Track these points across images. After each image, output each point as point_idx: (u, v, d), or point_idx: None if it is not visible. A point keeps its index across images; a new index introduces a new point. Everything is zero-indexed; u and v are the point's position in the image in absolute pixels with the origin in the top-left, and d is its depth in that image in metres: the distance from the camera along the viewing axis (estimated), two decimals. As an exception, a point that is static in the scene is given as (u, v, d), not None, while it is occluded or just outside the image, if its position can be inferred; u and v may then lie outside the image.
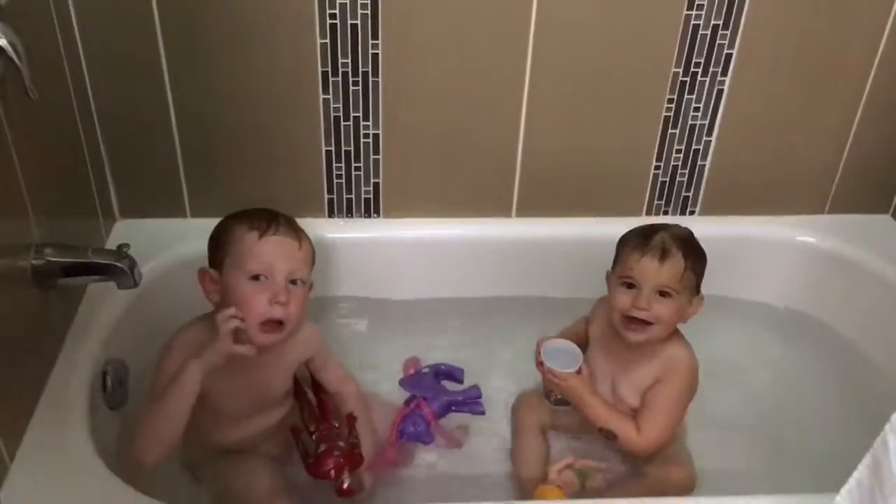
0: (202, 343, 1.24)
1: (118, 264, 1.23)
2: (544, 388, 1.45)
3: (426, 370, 1.51)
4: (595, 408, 1.36)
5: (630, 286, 1.34)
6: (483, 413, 1.44)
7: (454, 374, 1.50)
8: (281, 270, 1.24)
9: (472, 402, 1.44)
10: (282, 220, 1.28)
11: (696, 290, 1.36)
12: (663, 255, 1.31)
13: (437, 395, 1.44)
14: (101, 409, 1.32)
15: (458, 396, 1.44)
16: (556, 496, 1.26)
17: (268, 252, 1.24)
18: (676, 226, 1.38)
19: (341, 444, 1.26)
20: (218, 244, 1.29)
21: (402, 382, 1.48)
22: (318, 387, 1.40)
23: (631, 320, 1.34)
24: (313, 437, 1.27)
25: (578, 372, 1.35)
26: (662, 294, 1.32)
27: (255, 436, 1.35)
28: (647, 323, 1.33)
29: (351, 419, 1.32)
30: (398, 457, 1.40)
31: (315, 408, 1.34)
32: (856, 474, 0.83)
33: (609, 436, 1.37)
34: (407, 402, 1.45)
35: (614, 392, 1.41)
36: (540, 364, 1.37)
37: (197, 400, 1.21)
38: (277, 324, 1.25)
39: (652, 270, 1.31)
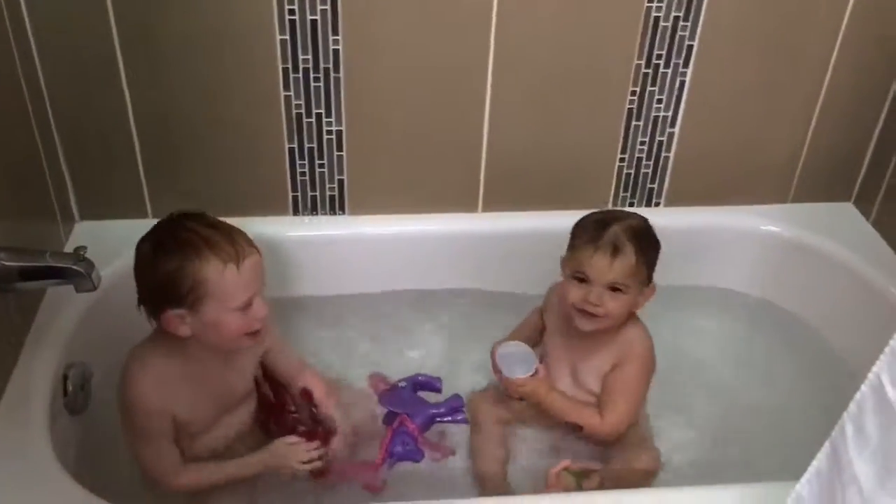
0: (168, 371, 1.24)
1: (76, 267, 1.20)
2: (505, 391, 1.44)
3: (403, 384, 1.48)
4: (556, 405, 1.38)
5: (582, 280, 1.34)
6: (467, 422, 1.43)
7: (433, 385, 1.48)
8: (259, 290, 1.23)
9: (455, 412, 1.42)
10: (235, 235, 1.21)
11: (648, 279, 1.36)
12: (615, 251, 1.31)
13: (420, 409, 1.42)
14: (61, 415, 1.30)
15: (440, 408, 1.42)
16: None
17: (248, 280, 1.20)
18: (631, 215, 1.37)
19: (301, 428, 1.30)
20: (181, 288, 1.17)
21: (381, 399, 1.45)
22: (274, 380, 1.41)
23: (583, 311, 1.35)
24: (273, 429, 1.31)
25: (535, 373, 1.36)
26: (614, 289, 1.32)
27: (226, 439, 1.35)
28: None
29: (307, 395, 1.35)
30: (379, 482, 1.36)
31: (271, 401, 1.37)
32: (815, 462, 0.84)
33: (574, 427, 1.39)
34: (388, 421, 1.42)
35: (575, 378, 1.43)
36: (498, 372, 1.38)
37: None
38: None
39: (604, 267, 1.32)
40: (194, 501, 1.30)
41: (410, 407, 1.42)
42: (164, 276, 1.17)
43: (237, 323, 1.21)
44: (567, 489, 1.28)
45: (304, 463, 1.28)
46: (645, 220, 1.37)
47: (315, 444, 1.30)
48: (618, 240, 1.31)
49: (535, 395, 1.38)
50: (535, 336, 1.51)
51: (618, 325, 1.38)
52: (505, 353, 1.39)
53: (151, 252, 1.19)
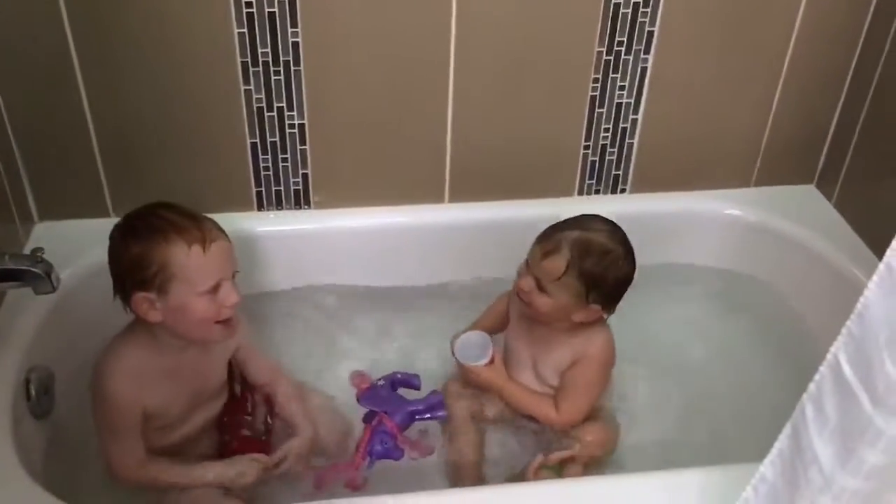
0: (144, 364, 1.24)
1: (33, 269, 1.18)
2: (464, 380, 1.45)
3: (381, 382, 1.47)
4: (511, 394, 1.40)
5: (527, 265, 1.35)
6: (445, 418, 1.43)
7: (411, 382, 1.47)
8: (228, 275, 1.22)
9: (434, 409, 1.42)
10: (202, 219, 1.23)
11: (587, 298, 1.31)
12: (550, 251, 1.30)
13: (398, 406, 1.41)
14: (25, 419, 1.28)
15: (419, 405, 1.41)
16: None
17: (215, 263, 1.20)
18: (601, 232, 1.31)
19: (245, 432, 1.34)
20: (147, 271, 1.18)
21: (360, 398, 1.44)
22: (241, 379, 1.41)
23: (518, 294, 1.36)
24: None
25: (491, 362, 1.37)
26: (539, 287, 1.32)
27: (194, 432, 1.35)
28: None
29: (268, 400, 1.38)
30: (360, 480, 1.36)
31: (233, 397, 1.38)
32: (777, 444, 0.84)
33: (530, 418, 1.40)
34: (367, 420, 1.41)
35: (536, 371, 1.43)
36: (456, 360, 1.40)
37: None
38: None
39: (534, 260, 1.32)
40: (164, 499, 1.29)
41: (389, 405, 1.41)
42: (131, 259, 1.19)
43: (205, 308, 1.20)
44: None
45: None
46: (607, 244, 1.30)
47: (266, 458, 1.31)
48: (561, 242, 1.29)
49: (490, 383, 1.39)
50: (500, 323, 1.51)
51: (570, 325, 1.36)
52: (463, 342, 1.40)
53: (120, 236, 1.22)
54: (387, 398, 1.43)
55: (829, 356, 0.75)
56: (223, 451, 1.34)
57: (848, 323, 0.73)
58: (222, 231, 1.25)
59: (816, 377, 0.78)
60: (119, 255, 1.21)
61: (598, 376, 1.40)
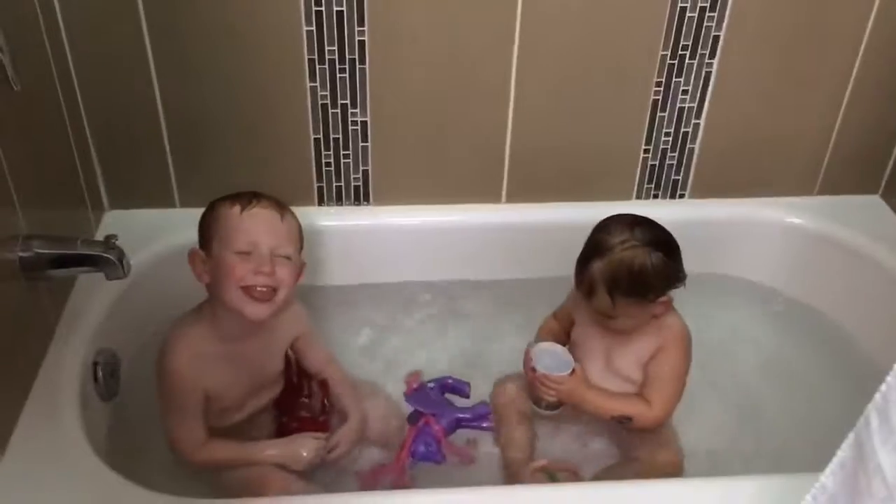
0: (206, 347, 1.29)
1: (107, 255, 1.22)
2: (532, 395, 1.43)
3: (432, 385, 1.47)
4: (599, 402, 1.37)
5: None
6: (492, 430, 1.42)
7: (461, 389, 1.47)
8: (265, 243, 1.25)
9: (481, 419, 1.42)
10: (264, 196, 1.29)
11: (650, 300, 1.31)
12: (588, 293, 1.31)
13: (445, 411, 1.41)
14: (92, 401, 1.32)
15: (466, 413, 1.42)
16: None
17: (251, 226, 1.25)
18: (614, 246, 1.29)
19: (304, 413, 1.37)
20: (205, 225, 1.29)
21: (408, 398, 1.45)
22: (298, 366, 1.44)
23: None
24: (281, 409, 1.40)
25: (572, 373, 1.36)
26: (607, 316, 1.33)
27: (252, 416, 1.39)
28: None
29: (323, 386, 1.41)
30: (406, 478, 1.36)
31: (291, 383, 1.42)
32: (839, 454, 0.83)
33: (622, 420, 1.37)
34: (413, 420, 1.42)
35: (609, 366, 1.41)
36: (532, 370, 1.37)
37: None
38: (270, 291, 1.25)
39: (585, 303, 1.34)
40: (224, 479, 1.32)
41: (436, 408, 1.41)
42: (201, 217, 1.31)
43: (236, 268, 1.23)
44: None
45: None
46: (626, 254, 1.28)
47: (323, 435, 1.34)
48: (591, 283, 1.30)
49: (573, 394, 1.36)
50: (559, 338, 1.50)
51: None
52: (541, 350, 1.38)
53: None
54: (435, 401, 1.43)
55: (896, 366, 0.74)
56: (282, 432, 1.37)
57: (918, 333, 0.72)
58: (285, 210, 1.30)
59: (883, 387, 0.77)
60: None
61: (684, 363, 1.38)
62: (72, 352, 1.31)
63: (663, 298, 1.33)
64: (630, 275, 1.28)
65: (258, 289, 1.24)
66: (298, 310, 1.41)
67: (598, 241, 1.32)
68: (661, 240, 1.31)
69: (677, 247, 1.33)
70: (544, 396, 1.38)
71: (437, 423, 1.38)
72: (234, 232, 1.25)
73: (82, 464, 1.15)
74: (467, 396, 1.47)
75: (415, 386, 1.47)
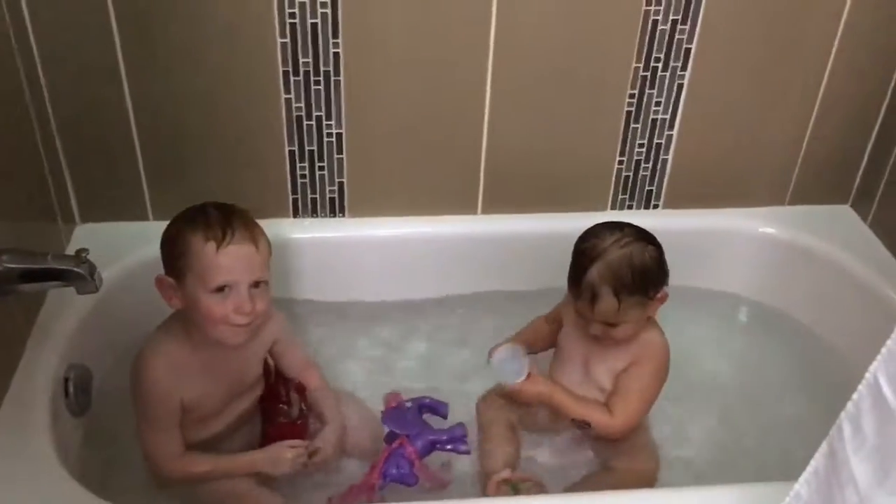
0: (181, 358, 1.27)
1: (77, 269, 1.20)
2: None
3: (409, 404, 1.45)
4: (561, 402, 1.37)
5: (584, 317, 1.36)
6: (468, 453, 1.40)
7: (438, 409, 1.45)
8: (243, 281, 1.23)
9: (456, 441, 1.39)
10: (235, 222, 1.24)
11: (650, 297, 1.33)
12: (593, 298, 1.30)
13: (421, 432, 1.38)
14: (64, 416, 1.31)
15: (442, 436, 1.39)
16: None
17: (227, 265, 1.21)
18: (610, 247, 1.30)
19: (282, 419, 1.37)
20: (174, 255, 1.24)
21: (385, 417, 1.42)
22: (276, 370, 1.43)
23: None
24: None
25: (528, 377, 1.35)
26: (610, 324, 1.33)
27: (232, 424, 1.37)
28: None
29: (300, 389, 1.40)
30: (377, 497, 1.34)
31: (269, 387, 1.42)
32: (813, 462, 0.84)
33: (582, 425, 1.37)
34: (388, 440, 1.40)
35: (587, 372, 1.42)
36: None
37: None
38: (246, 324, 1.25)
39: (586, 310, 1.32)
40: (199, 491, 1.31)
41: (411, 429, 1.39)
42: (165, 239, 1.27)
43: (215, 308, 1.22)
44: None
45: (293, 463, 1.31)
46: (623, 251, 1.30)
47: (302, 442, 1.33)
48: (594, 287, 1.30)
49: (537, 397, 1.36)
50: (538, 342, 1.51)
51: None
52: (499, 359, 1.37)
53: (172, 219, 1.28)
54: (411, 422, 1.40)
55: (867, 375, 0.75)
56: (263, 442, 1.36)
57: (888, 342, 0.73)
58: (258, 237, 1.25)
59: (854, 396, 0.78)
60: (163, 235, 1.28)
61: (655, 381, 1.38)
62: (42, 367, 1.30)
63: (660, 294, 1.35)
64: (632, 269, 1.30)
65: (240, 323, 1.24)
66: (275, 314, 1.39)
67: (590, 247, 1.32)
68: (648, 235, 1.35)
69: (660, 244, 1.36)
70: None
71: (410, 444, 1.36)
72: (210, 273, 1.21)
73: (53, 481, 1.13)
74: (445, 416, 1.44)
75: (393, 405, 1.45)
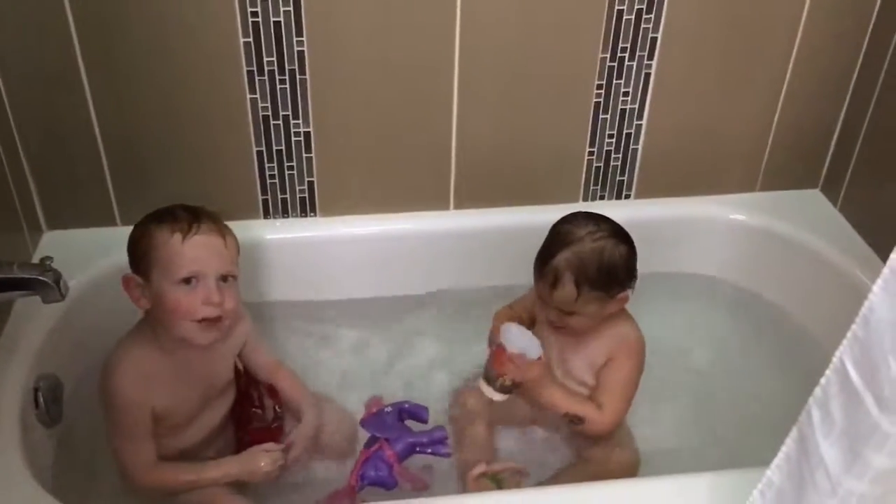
0: (149, 365, 1.25)
1: (42, 278, 1.19)
2: (487, 372, 1.36)
3: (389, 409, 1.43)
4: (558, 396, 1.35)
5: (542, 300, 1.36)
6: (448, 455, 1.38)
7: (419, 414, 1.43)
8: (210, 271, 1.22)
9: (436, 444, 1.37)
10: (203, 217, 1.24)
11: (613, 292, 1.33)
12: (553, 283, 1.31)
13: (401, 436, 1.37)
14: (35, 428, 1.29)
15: (422, 438, 1.37)
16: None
17: (194, 255, 1.21)
18: (584, 236, 1.31)
19: (257, 424, 1.35)
20: (140, 251, 1.24)
21: (364, 422, 1.41)
22: (247, 374, 1.42)
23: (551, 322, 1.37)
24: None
25: (540, 359, 1.33)
26: (566, 313, 1.33)
27: (207, 431, 1.36)
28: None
29: (272, 392, 1.38)
30: (357, 501, 1.34)
31: (240, 391, 1.41)
32: (784, 448, 0.85)
33: (574, 420, 1.36)
34: (368, 444, 1.38)
35: (563, 367, 1.42)
36: (498, 346, 1.32)
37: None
38: (216, 320, 1.23)
39: (545, 293, 1.33)
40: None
41: (392, 432, 1.37)
42: (132, 240, 1.26)
43: (182, 300, 1.21)
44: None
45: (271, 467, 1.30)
46: (596, 244, 1.31)
47: (278, 445, 1.32)
48: (557, 271, 1.30)
49: (539, 382, 1.33)
50: (528, 317, 1.50)
51: (606, 320, 1.37)
52: (512, 330, 1.33)
53: (138, 222, 1.28)
54: (391, 426, 1.39)
55: (834, 360, 0.76)
56: (238, 448, 1.35)
57: (853, 327, 0.73)
58: (226, 232, 1.26)
59: (822, 381, 0.78)
60: (129, 236, 1.27)
61: (635, 373, 1.39)
62: (10, 378, 1.28)
63: (621, 295, 1.34)
64: (599, 265, 1.30)
65: (209, 317, 1.22)
66: (244, 314, 1.38)
67: (564, 231, 1.33)
68: (624, 234, 1.35)
69: (634, 245, 1.36)
70: (506, 377, 1.32)
71: (390, 447, 1.35)
72: (176, 263, 1.20)
73: (25, 493, 1.12)
74: (426, 422, 1.43)
75: (373, 410, 1.44)
